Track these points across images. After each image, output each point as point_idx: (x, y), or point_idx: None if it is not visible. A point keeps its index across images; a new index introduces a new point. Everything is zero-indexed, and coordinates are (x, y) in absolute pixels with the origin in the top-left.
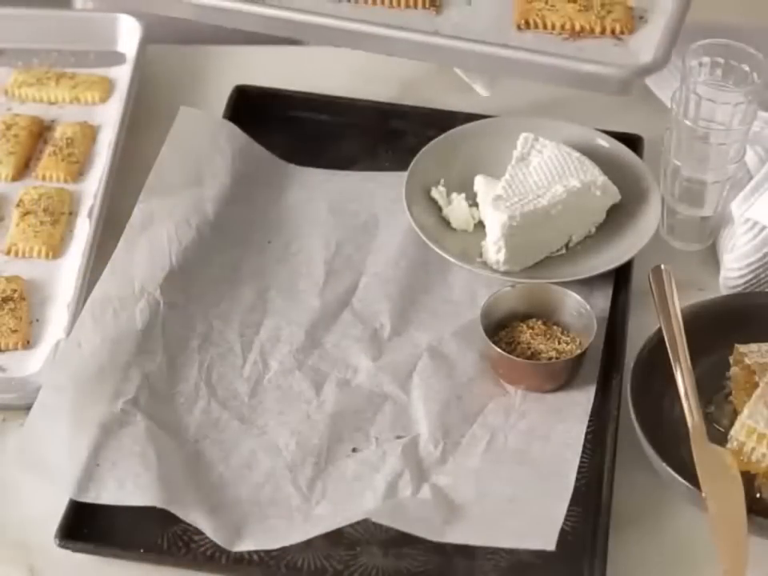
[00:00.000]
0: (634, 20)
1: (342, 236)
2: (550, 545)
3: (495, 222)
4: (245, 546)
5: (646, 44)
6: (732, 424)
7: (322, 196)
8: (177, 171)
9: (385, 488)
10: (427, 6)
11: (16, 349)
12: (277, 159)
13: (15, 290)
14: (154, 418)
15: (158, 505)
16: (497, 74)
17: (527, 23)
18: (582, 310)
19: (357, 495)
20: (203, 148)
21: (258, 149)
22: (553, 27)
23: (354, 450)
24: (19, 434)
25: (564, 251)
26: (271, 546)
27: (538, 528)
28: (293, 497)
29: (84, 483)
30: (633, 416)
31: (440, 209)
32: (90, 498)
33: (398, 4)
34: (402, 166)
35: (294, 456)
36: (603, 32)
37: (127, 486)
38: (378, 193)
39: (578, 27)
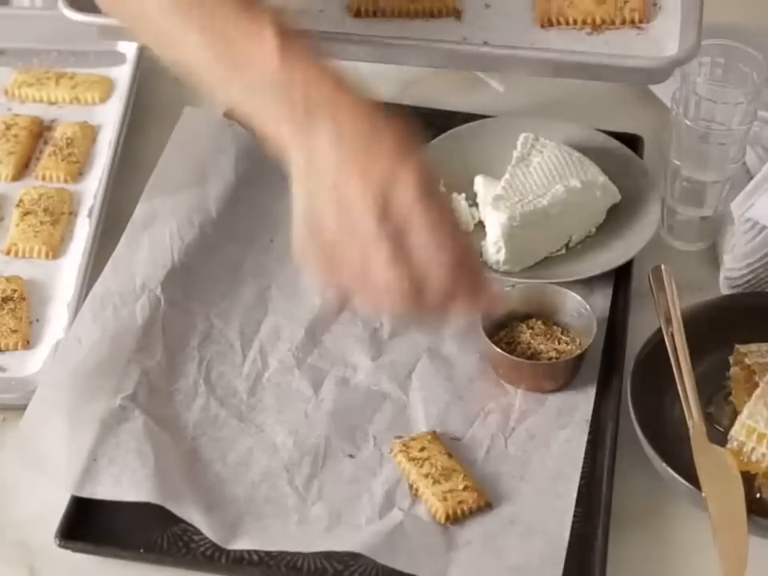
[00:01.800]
0: (649, 7)
1: None
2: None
3: (495, 222)
4: (240, 544)
5: (666, 31)
6: (732, 424)
7: None
8: (180, 170)
9: (382, 497)
10: (449, 14)
11: (16, 349)
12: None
13: (15, 290)
14: (152, 414)
15: (154, 501)
16: (534, 75)
17: (549, 21)
18: (582, 310)
19: (353, 499)
20: (207, 147)
21: (262, 148)
22: (575, 23)
23: (350, 456)
24: (18, 432)
25: (564, 251)
26: (267, 546)
27: (543, 556)
28: (289, 496)
29: (80, 478)
30: (633, 416)
31: None
32: (86, 492)
33: (422, 14)
34: None
35: (292, 455)
36: (623, 23)
37: (123, 482)
38: None
39: (598, 21)
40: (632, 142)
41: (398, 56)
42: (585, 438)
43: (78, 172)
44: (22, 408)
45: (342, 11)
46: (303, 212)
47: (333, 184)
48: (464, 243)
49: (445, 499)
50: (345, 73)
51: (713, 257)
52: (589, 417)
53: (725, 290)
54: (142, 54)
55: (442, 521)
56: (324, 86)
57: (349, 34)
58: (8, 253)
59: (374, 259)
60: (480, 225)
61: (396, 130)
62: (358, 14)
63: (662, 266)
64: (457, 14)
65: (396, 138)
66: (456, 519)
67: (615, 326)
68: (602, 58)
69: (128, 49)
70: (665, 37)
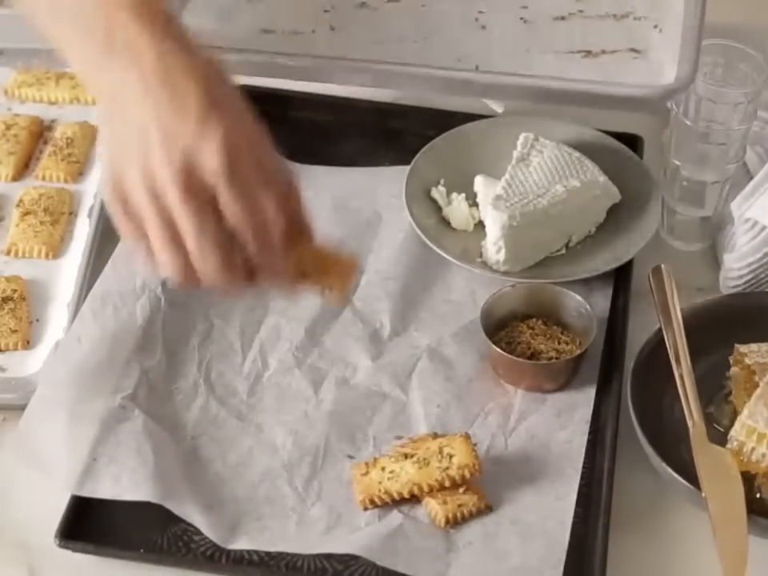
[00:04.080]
0: None
1: (345, 233)
2: None
3: (495, 222)
4: (240, 544)
5: (665, 55)
6: (732, 424)
7: (325, 193)
8: None
9: None
10: None
11: (16, 349)
12: (282, 158)
13: (15, 290)
14: (152, 414)
15: (154, 500)
16: (530, 102)
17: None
18: (581, 310)
19: (353, 500)
20: None
21: None
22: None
23: (350, 456)
24: (18, 431)
25: (564, 251)
26: (266, 546)
27: (543, 557)
28: (288, 496)
29: (80, 477)
30: (633, 416)
31: (440, 209)
32: (85, 491)
33: None
34: (402, 165)
35: (291, 455)
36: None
37: (123, 481)
38: (381, 188)
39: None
40: (632, 141)
41: (389, 81)
42: (585, 438)
43: (78, 172)
44: (22, 408)
45: (335, 33)
46: (109, 163)
47: (138, 139)
48: (270, 215)
49: (445, 503)
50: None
51: (713, 257)
52: (589, 417)
53: (725, 290)
54: None
55: (442, 525)
56: (131, 23)
57: (339, 58)
58: (8, 253)
59: (181, 230)
60: (480, 225)
61: (205, 78)
62: None
63: (662, 266)
64: None
65: (203, 91)
66: (456, 523)
67: (615, 326)
68: (598, 87)
69: None
70: (663, 61)
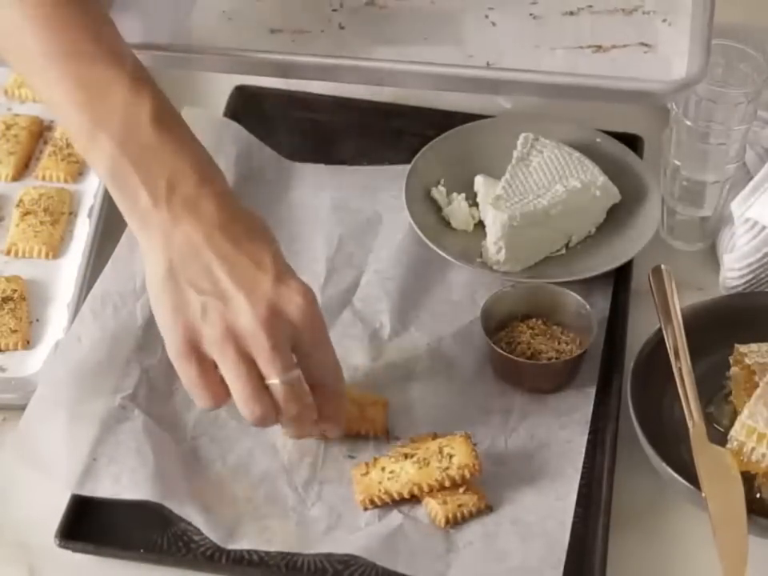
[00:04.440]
0: None
1: (345, 233)
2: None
3: (495, 221)
4: (239, 544)
5: (675, 49)
6: (732, 424)
7: (326, 193)
8: None
9: None
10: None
11: (16, 349)
12: (281, 158)
13: (15, 290)
14: (152, 414)
15: (153, 499)
16: (541, 97)
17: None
18: (581, 310)
19: (353, 500)
20: (207, 147)
21: (263, 148)
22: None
23: (350, 457)
24: (18, 431)
25: (564, 251)
26: (266, 546)
27: (543, 557)
28: (288, 497)
29: (80, 477)
30: (633, 416)
31: (440, 209)
32: (85, 491)
33: None
34: (402, 165)
35: (291, 456)
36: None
37: (123, 481)
38: (382, 188)
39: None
40: (632, 141)
41: (398, 79)
42: (585, 438)
43: (78, 172)
44: (22, 408)
45: (344, 32)
46: (173, 317)
47: (212, 294)
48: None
49: (445, 503)
50: (211, 162)
51: (713, 257)
52: (589, 417)
53: (725, 290)
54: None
55: (442, 525)
56: (190, 178)
57: (348, 56)
58: (8, 253)
59: (268, 380)
60: (480, 225)
61: (264, 235)
62: None
63: (662, 266)
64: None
65: (273, 247)
66: (456, 523)
67: (615, 326)
68: (609, 82)
69: None
70: (673, 55)
